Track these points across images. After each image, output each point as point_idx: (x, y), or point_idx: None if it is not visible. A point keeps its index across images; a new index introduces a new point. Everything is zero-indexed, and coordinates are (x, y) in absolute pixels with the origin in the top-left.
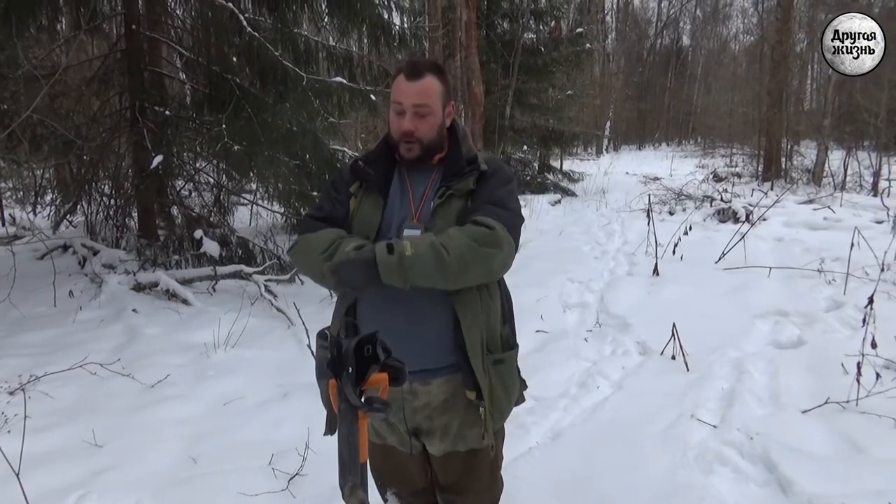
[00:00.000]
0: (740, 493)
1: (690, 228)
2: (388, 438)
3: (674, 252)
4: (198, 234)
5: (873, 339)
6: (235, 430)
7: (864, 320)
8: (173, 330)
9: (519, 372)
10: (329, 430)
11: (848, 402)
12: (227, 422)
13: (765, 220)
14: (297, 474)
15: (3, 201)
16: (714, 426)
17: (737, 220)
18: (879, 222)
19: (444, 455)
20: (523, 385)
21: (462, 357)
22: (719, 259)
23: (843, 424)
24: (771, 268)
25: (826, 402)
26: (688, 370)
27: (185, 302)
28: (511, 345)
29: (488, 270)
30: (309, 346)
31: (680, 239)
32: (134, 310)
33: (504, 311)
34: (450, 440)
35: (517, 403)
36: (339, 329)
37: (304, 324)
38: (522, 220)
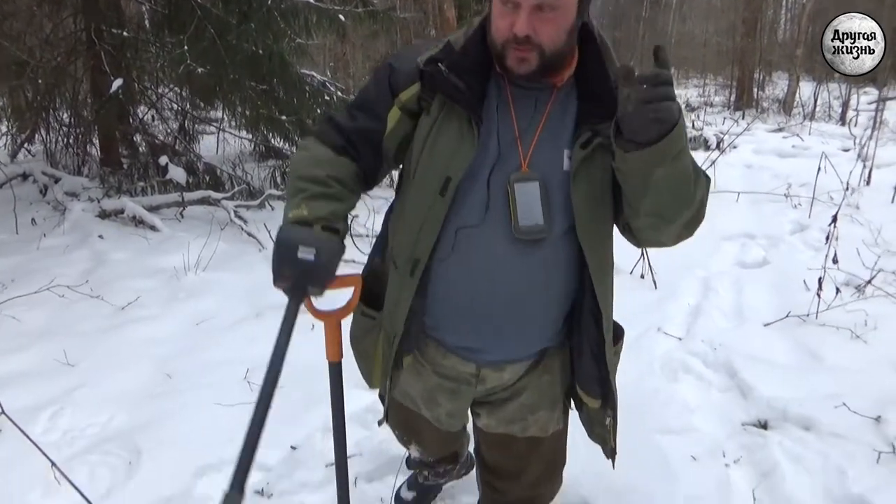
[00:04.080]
0: (703, 398)
1: None
2: (423, 410)
3: None
4: (163, 160)
5: (835, 255)
6: (209, 348)
7: (826, 238)
8: (141, 255)
9: None
10: (386, 417)
11: (808, 315)
12: (201, 340)
13: (735, 147)
14: None
15: None
16: (679, 338)
17: (707, 148)
18: (846, 150)
19: (504, 437)
20: None
21: (579, 344)
22: None
23: (802, 336)
24: (739, 192)
25: (787, 316)
26: (656, 288)
27: (152, 228)
28: (620, 333)
29: (702, 207)
30: None
31: None
32: (100, 236)
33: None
34: (516, 417)
35: None
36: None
37: None
38: None
